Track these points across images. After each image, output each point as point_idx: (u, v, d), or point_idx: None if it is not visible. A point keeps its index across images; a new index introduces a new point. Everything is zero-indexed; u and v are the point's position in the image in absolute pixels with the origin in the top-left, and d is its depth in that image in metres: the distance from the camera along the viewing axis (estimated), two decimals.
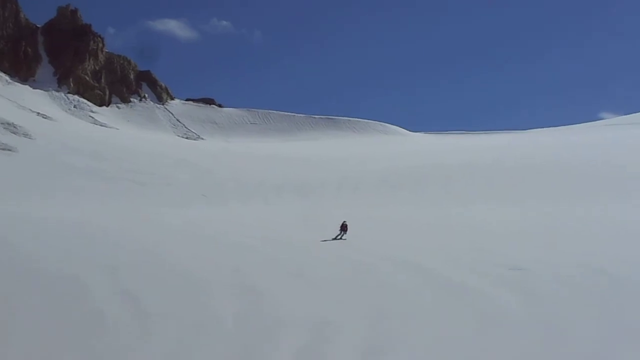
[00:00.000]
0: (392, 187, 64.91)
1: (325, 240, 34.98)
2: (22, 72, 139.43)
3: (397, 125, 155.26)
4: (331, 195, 62.91)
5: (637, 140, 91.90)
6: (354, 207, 52.87)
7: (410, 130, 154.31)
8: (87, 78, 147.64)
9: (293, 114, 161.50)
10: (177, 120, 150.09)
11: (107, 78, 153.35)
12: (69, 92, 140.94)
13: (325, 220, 42.75)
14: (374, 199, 59.75)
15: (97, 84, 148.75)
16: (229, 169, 79.31)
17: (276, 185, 68.36)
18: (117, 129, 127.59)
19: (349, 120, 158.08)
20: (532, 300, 21.24)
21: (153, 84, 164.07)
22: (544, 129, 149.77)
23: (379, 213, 49.37)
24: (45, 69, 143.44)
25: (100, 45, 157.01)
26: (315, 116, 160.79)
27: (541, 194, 56.30)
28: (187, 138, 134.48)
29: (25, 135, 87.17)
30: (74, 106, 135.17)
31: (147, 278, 25.88)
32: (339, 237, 35.34)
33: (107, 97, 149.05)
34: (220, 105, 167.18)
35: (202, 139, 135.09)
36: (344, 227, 35.71)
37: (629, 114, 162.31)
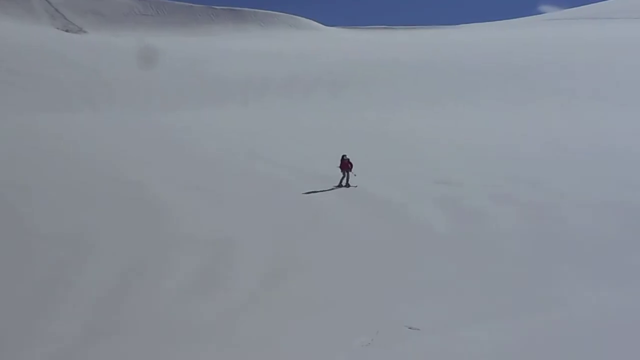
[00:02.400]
0: (305, 90, 64.83)
1: (235, 153, 34.59)
2: None
3: (310, 19, 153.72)
4: (235, 100, 62.16)
5: (581, 38, 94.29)
6: (260, 113, 52.63)
7: (324, 25, 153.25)
8: None
9: (191, 4, 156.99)
10: (56, 10, 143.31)
11: None
12: None
13: (227, 127, 42.77)
14: (283, 103, 59.52)
15: None
16: (116, 69, 76.76)
17: (174, 90, 66.87)
18: None
19: (255, 12, 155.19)
20: (460, 216, 22.07)
21: None
22: (478, 24, 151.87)
23: (290, 120, 49.31)
24: None
25: None
26: (217, 7, 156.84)
27: (473, 99, 57.65)
28: (67, 31, 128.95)
29: None
30: None
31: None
32: (343, 182, 27.74)
33: None
34: None
35: (85, 32, 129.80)
36: (346, 165, 27.64)
37: (571, 7, 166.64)
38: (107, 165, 31.76)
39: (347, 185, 27.20)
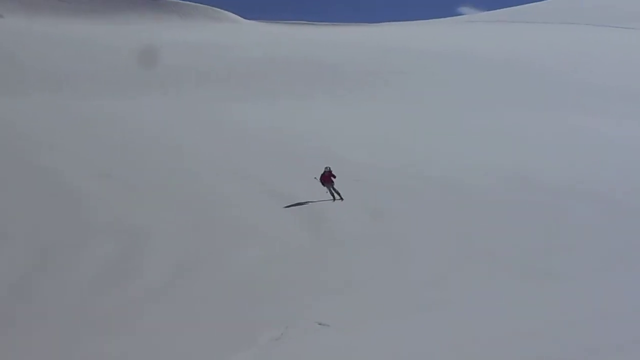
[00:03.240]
0: (219, 82, 65.05)
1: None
2: None
3: (230, 11, 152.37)
4: (155, 93, 61.86)
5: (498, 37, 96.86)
6: (174, 104, 52.97)
7: (245, 18, 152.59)
8: None
9: None
10: None
11: None
12: None
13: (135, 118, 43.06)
14: (201, 95, 59.79)
15: None
16: (31, 54, 75.00)
17: (89, 77, 65.95)
18: None
19: (175, 2, 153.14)
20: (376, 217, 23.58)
21: None
22: (399, 22, 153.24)
23: (204, 111, 50.22)
24: None
25: None
26: None
27: (399, 97, 59.48)
28: None
29: None
30: None
31: None
32: (336, 196, 26.08)
33: None
34: None
35: (1, 16, 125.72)
36: (327, 178, 25.93)
37: (490, 10, 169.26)
38: (20, 151, 32.13)
39: (334, 197, 25.76)
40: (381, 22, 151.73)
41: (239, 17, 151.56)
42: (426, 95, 61.24)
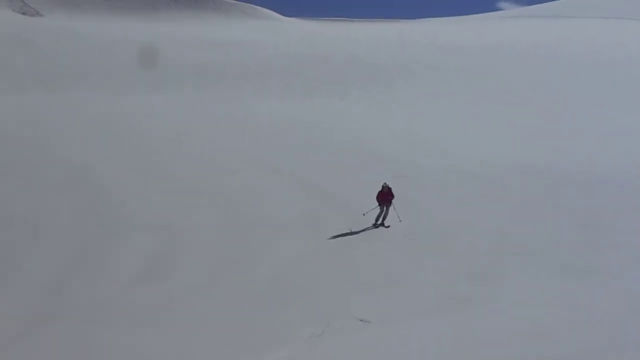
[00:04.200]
0: (256, 79, 65.23)
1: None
2: None
3: (267, 8, 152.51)
4: (187, 87, 62.10)
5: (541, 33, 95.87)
6: (213, 106, 52.95)
7: (283, 15, 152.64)
8: None
9: None
10: None
11: None
12: None
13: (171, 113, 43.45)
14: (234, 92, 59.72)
15: None
16: (71, 52, 75.64)
17: (127, 75, 66.34)
18: None
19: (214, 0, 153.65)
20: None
21: None
22: (437, 18, 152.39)
23: (250, 112, 49.67)
24: None
25: None
26: None
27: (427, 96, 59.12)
28: (23, 14, 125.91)
29: None
30: None
31: None
32: (379, 220, 21.87)
33: None
34: None
35: (42, 15, 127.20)
36: (386, 196, 21.84)
37: (530, 4, 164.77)
38: (55, 148, 32.36)
39: (383, 224, 21.66)
40: (419, 18, 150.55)
41: (276, 14, 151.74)
42: (462, 91, 60.66)
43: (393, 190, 21.74)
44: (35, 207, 22.52)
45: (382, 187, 21.67)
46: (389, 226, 21.42)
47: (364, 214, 21.25)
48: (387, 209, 21.61)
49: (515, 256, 18.15)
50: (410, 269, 17.37)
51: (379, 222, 21.50)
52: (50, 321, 14.02)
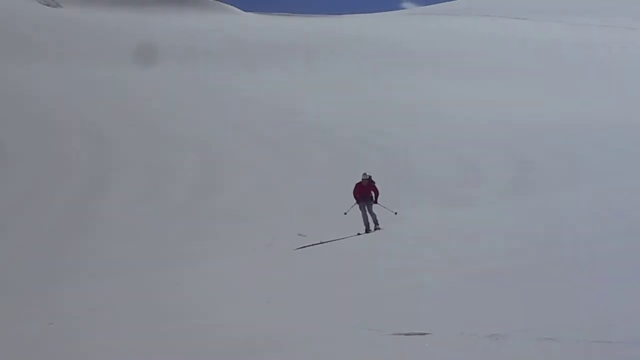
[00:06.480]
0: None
1: None
2: None
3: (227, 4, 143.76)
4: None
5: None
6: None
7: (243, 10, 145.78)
8: None
9: None
10: None
11: None
12: None
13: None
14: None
15: None
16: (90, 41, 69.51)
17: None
18: None
19: None
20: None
21: None
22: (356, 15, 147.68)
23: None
24: None
25: None
26: None
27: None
28: (47, 5, 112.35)
29: None
30: None
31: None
32: (372, 227, 12.73)
33: None
34: None
35: (61, 7, 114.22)
36: (366, 191, 12.80)
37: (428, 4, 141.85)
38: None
39: (375, 227, 12.57)
40: (343, 13, 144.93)
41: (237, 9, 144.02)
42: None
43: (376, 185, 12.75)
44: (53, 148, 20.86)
45: (362, 179, 12.67)
46: (377, 228, 12.60)
47: (345, 213, 12.85)
48: (371, 209, 12.56)
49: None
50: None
51: (371, 228, 12.53)
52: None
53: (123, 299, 9.08)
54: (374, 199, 12.46)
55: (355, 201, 12.58)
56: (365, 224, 12.40)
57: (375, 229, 12.37)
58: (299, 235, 12.91)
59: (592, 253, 6.81)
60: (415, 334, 4.40)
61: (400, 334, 4.50)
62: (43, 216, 15.42)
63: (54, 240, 13.93)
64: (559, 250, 7.34)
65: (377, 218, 12.43)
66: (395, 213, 12.51)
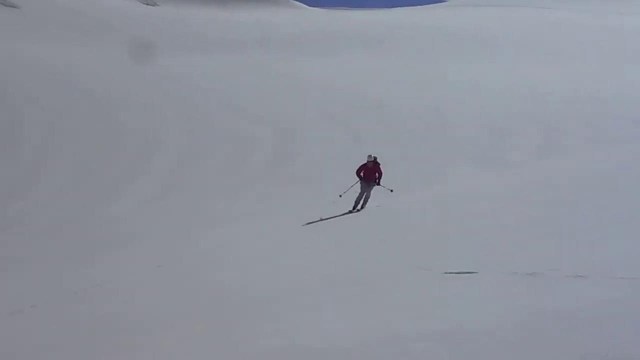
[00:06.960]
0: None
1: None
2: None
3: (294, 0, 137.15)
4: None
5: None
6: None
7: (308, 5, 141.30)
8: None
9: None
10: None
11: None
12: None
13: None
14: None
15: None
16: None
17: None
18: None
19: None
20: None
21: None
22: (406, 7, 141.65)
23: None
24: None
25: None
26: None
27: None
28: (146, 4, 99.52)
29: None
30: None
31: None
32: (359, 205, 11.34)
33: None
34: None
35: (157, 5, 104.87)
36: (372, 173, 11.22)
37: None
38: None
39: (362, 207, 11.33)
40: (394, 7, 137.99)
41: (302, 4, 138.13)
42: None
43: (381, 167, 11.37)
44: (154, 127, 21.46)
45: (367, 160, 11.26)
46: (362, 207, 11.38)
47: (340, 196, 11.44)
48: (369, 192, 11.34)
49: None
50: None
51: (359, 207, 11.32)
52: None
53: (225, 242, 9.73)
54: (377, 181, 11.28)
55: (355, 181, 11.36)
56: (355, 202, 11.31)
57: (358, 209, 11.23)
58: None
59: (614, 203, 6.70)
60: (464, 273, 4.55)
61: (452, 272, 4.67)
62: (150, 180, 16.14)
63: (160, 199, 14.65)
64: (584, 202, 7.27)
65: (368, 203, 11.36)
66: (391, 190, 11.37)
